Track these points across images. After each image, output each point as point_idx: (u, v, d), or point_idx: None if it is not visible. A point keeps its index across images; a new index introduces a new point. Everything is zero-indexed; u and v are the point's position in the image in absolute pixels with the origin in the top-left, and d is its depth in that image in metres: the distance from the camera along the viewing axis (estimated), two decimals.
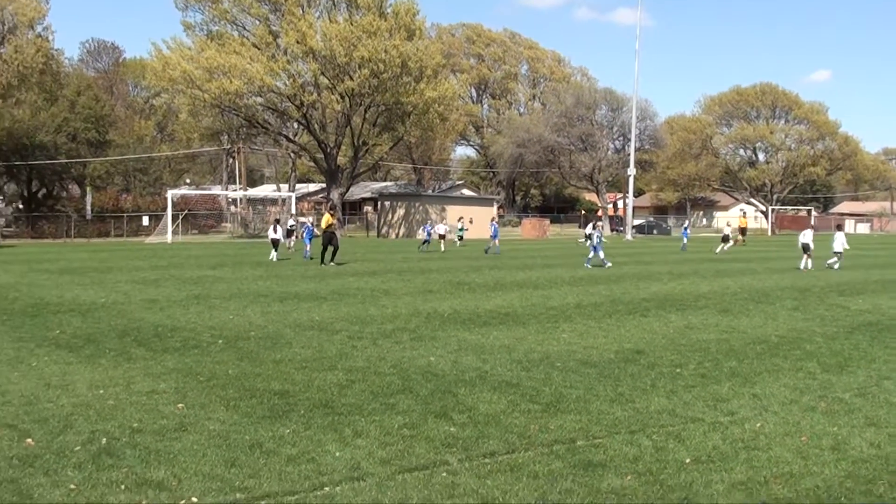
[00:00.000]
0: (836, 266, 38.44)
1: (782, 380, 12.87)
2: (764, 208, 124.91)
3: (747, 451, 9.11)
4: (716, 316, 20.61)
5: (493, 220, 57.25)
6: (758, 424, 10.18)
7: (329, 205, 47.61)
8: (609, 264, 38.35)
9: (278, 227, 42.44)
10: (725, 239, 55.64)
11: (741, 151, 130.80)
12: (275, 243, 41.64)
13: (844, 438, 9.66)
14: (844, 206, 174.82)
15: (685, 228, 65.92)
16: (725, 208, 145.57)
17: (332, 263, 36.34)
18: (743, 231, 69.58)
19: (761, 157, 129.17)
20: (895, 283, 31.63)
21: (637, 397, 11.49)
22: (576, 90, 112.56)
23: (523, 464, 8.48)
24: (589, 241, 44.34)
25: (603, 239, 43.15)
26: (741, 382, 12.61)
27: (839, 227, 41.18)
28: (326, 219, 38.31)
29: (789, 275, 34.82)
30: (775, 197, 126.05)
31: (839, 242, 38.70)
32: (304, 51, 70.91)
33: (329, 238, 37.15)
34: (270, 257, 40.66)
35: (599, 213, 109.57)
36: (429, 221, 58.25)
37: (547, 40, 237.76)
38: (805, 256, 39.11)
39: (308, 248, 43.67)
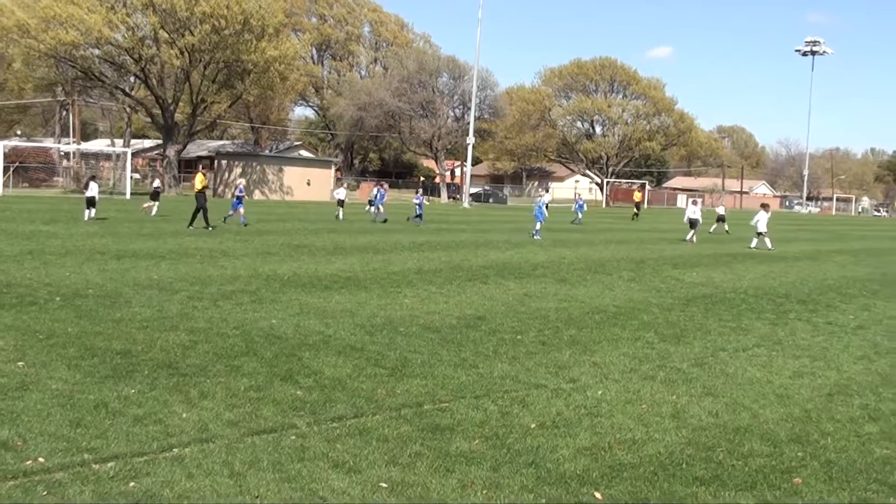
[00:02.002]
0: (768, 244, 38.63)
1: (621, 349, 13.22)
2: (599, 181, 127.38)
3: (590, 417, 9.34)
4: (554, 285, 20.97)
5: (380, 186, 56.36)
6: (599, 392, 10.43)
7: (203, 164, 45.71)
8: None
9: (93, 183, 38.91)
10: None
11: (579, 124, 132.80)
12: (90, 201, 38.09)
13: (683, 407, 9.99)
14: (677, 182, 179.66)
15: (579, 203, 61.92)
16: (561, 179, 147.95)
17: (203, 226, 34.25)
18: (637, 206, 70.68)
19: (598, 130, 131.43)
20: (727, 256, 32.72)
21: (480, 363, 11.63)
22: (418, 56, 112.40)
23: (372, 427, 8.51)
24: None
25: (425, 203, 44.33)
26: (581, 350, 12.89)
27: (764, 207, 41.99)
28: (200, 179, 36.80)
29: (624, 246, 35.68)
30: (610, 170, 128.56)
31: (762, 222, 39.21)
32: (145, 3, 69.03)
33: (202, 199, 35.47)
34: (85, 217, 36.96)
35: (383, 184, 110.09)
36: (418, 192, 55.31)
37: (391, 4, 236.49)
38: (692, 231, 41.58)
39: (241, 213, 41.49)
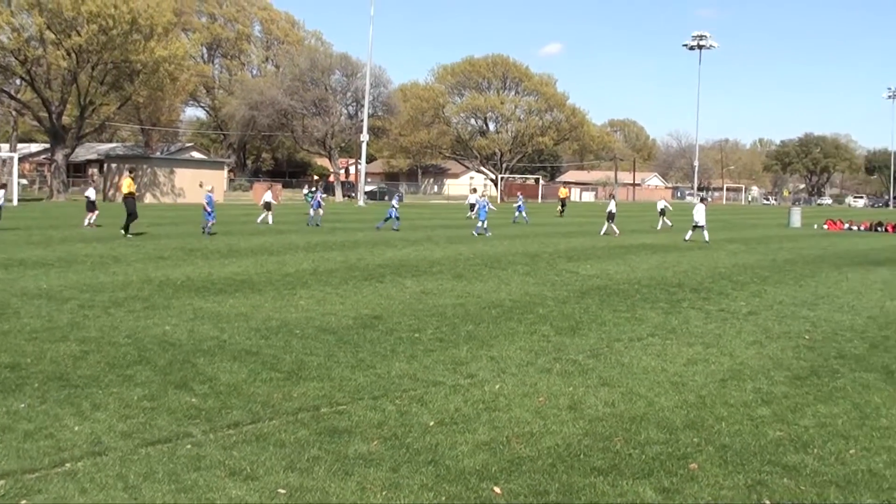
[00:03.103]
0: (705, 236, 39.03)
1: (518, 343, 13.29)
2: (494, 176, 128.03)
3: (488, 412, 9.36)
4: (451, 281, 21.02)
5: (314, 188, 55.29)
6: (497, 386, 10.47)
7: (129, 168, 44.06)
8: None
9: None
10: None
11: (472, 121, 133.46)
12: None
13: (580, 398, 10.07)
14: (570, 175, 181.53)
15: (520, 205, 57.51)
16: (456, 176, 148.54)
17: (128, 236, 32.78)
18: (563, 203, 70.74)
19: (492, 126, 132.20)
20: (621, 248, 33.14)
21: (378, 363, 11.59)
22: (310, 54, 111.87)
23: (269, 433, 8.42)
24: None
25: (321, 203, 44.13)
26: (479, 346, 12.94)
27: (702, 200, 42.41)
28: (128, 183, 35.45)
29: (520, 241, 35.91)
30: (504, 165, 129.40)
31: (700, 215, 39.50)
32: (30, 3, 67.51)
33: (133, 205, 34.29)
34: None
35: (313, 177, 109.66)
36: (396, 195, 53.36)
37: (281, 2, 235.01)
38: (608, 223, 42.78)
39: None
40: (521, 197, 58.91)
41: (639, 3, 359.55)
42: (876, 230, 57.89)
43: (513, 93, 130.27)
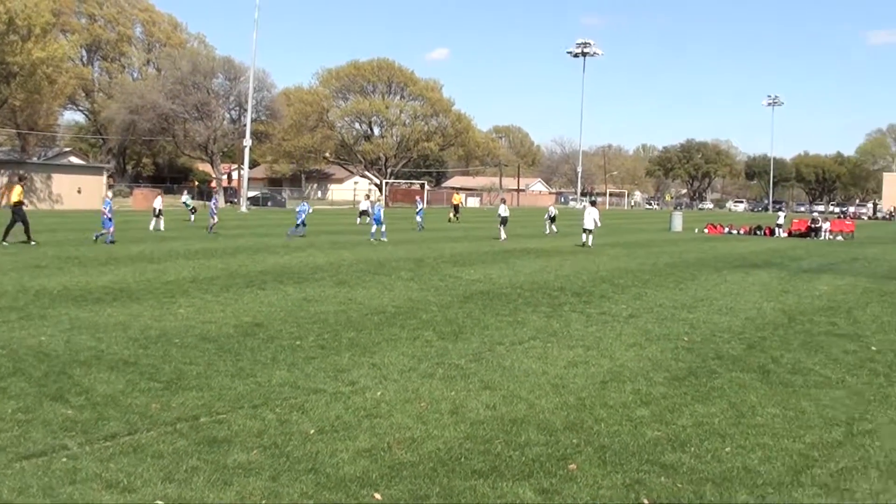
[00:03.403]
0: (589, 241, 39.41)
1: (400, 348, 13.29)
2: (378, 181, 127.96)
3: (370, 419, 9.34)
4: (333, 287, 20.93)
5: (215, 192, 54.01)
6: (378, 393, 10.44)
7: (19, 175, 42.41)
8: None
9: None
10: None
11: (357, 125, 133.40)
12: None
13: (462, 402, 10.11)
14: (456, 181, 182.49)
15: (420, 210, 56.92)
16: (341, 181, 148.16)
17: (32, 243, 32.24)
18: (456, 209, 70.47)
19: (377, 131, 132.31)
20: (505, 253, 33.37)
21: (258, 371, 11.48)
22: (192, 57, 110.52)
23: (147, 444, 8.27)
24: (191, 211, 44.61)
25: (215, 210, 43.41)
26: (361, 352, 12.90)
27: (592, 204, 42.76)
28: (18, 191, 34.12)
29: (404, 246, 35.93)
30: (389, 171, 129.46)
31: (590, 219, 39.75)
32: None
33: (22, 213, 33.08)
34: None
35: (213, 184, 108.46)
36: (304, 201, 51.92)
37: (164, 3, 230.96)
38: (501, 228, 43.31)
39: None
40: (420, 202, 58.78)
41: (526, 11, 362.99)
42: (755, 234, 59.34)
43: (398, 97, 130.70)
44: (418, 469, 7.76)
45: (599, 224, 40.25)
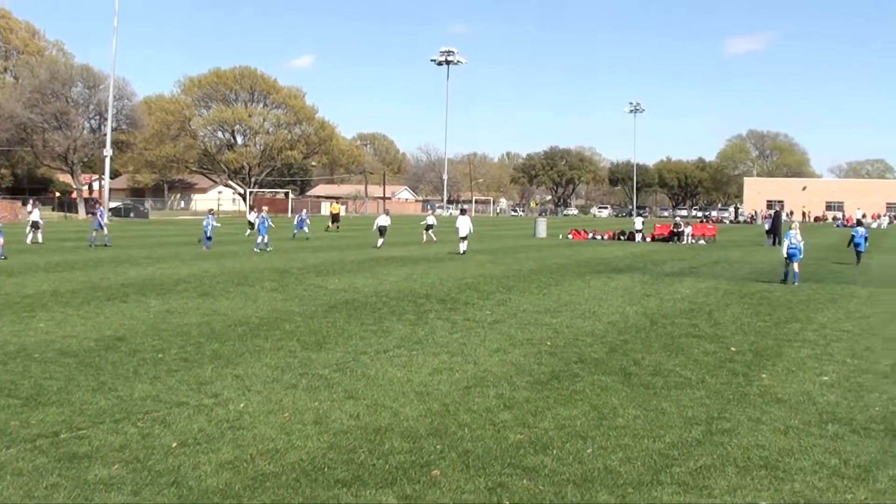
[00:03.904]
0: (463, 249, 39.32)
1: (264, 360, 13.22)
2: (242, 191, 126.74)
3: (233, 430, 9.28)
4: (196, 299, 20.68)
5: (98, 205, 52.38)
6: (242, 405, 10.38)
7: None
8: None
9: None
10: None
11: (220, 134, 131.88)
12: None
13: (326, 412, 10.11)
14: (321, 189, 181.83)
15: (302, 219, 55.98)
16: (204, 191, 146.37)
17: None
18: (335, 218, 69.50)
19: (240, 139, 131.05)
20: (370, 261, 33.34)
21: (120, 385, 11.30)
22: (51, 65, 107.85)
23: (6, 462, 8.10)
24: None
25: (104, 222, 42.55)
26: (224, 364, 12.80)
27: (463, 212, 42.76)
28: None
29: (268, 257, 35.62)
30: (253, 179, 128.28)
31: (465, 226, 39.72)
32: None
33: None
34: None
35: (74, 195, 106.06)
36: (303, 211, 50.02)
37: (21, 10, 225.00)
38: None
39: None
40: (304, 211, 58.15)
41: (391, 18, 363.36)
42: (618, 239, 60.28)
43: (261, 105, 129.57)
44: (281, 480, 7.76)
45: (472, 231, 40.49)
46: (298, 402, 10.59)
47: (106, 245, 41.28)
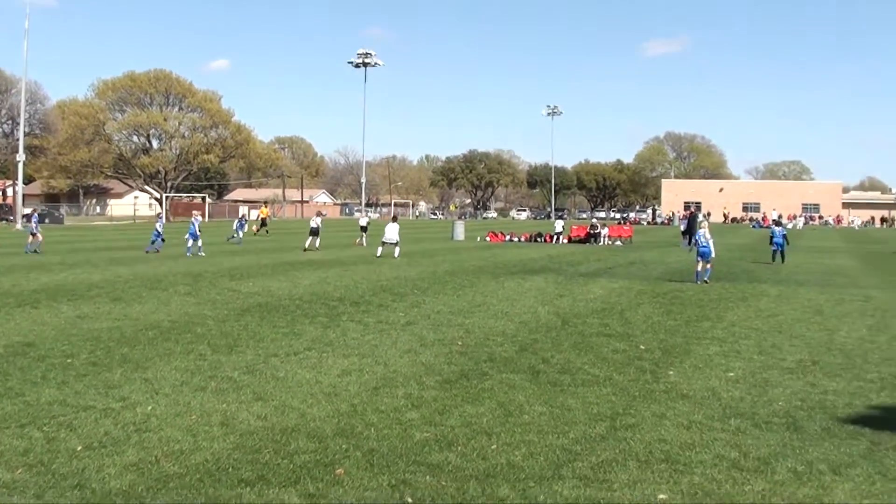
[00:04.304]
0: (395, 252, 39.32)
1: (174, 363, 13.20)
2: (158, 195, 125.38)
3: (139, 433, 9.29)
4: (108, 304, 20.52)
5: (34, 211, 51.30)
6: (149, 407, 10.38)
7: None
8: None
9: None
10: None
11: (135, 138, 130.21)
12: None
13: (233, 414, 10.16)
14: (238, 194, 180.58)
15: (241, 223, 55.70)
16: (120, 196, 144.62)
17: None
18: (264, 222, 68.81)
19: (155, 144, 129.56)
20: (285, 265, 33.23)
21: (27, 390, 11.22)
22: None
23: None
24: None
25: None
26: (133, 368, 12.76)
27: (395, 219, 42.86)
28: None
29: (182, 261, 35.38)
30: (170, 184, 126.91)
31: (392, 232, 39.78)
32: None
33: None
34: None
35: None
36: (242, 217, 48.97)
37: None
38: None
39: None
40: (244, 216, 57.77)
41: (307, 21, 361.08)
42: (535, 241, 60.65)
43: (177, 109, 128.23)
44: (185, 480, 7.81)
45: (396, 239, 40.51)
46: (206, 404, 10.62)
47: (37, 252, 40.51)
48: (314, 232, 44.25)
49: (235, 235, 52.70)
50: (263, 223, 68.84)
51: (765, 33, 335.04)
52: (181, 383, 11.79)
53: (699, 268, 28.01)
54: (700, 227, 29.12)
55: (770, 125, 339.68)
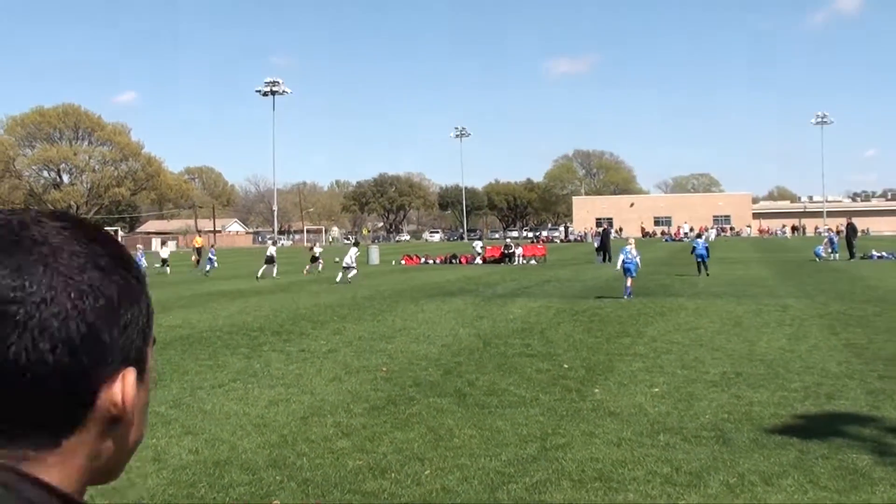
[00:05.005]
0: (348, 276, 39.79)
1: None
2: None
3: None
4: None
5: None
6: None
7: None
8: None
9: None
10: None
11: (45, 173, 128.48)
12: None
13: (164, 449, 10.01)
14: (150, 225, 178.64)
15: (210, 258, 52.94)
16: None
17: None
18: (199, 251, 67.67)
19: (66, 178, 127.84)
20: (202, 296, 32.86)
21: None
22: None
23: None
24: None
25: None
26: None
27: (356, 244, 42.81)
28: None
29: None
30: None
31: (350, 257, 40.03)
32: None
33: None
34: None
35: None
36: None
37: None
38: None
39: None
40: (213, 249, 56.97)
41: (211, 50, 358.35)
42: (451, 262, 60.85)
43: (86, 143, 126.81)
44: None
45: (353, 262, 40.46)
46: None
47: None
48: (269, 260, 44.00)
49: (209, 269, 50.84)
50: (199, 252, 68.13)
51: (668, 51, 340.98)
52: None
53: (629, 283, 28.30)
54: (627, 244, 29.50)
55: (676, 140, 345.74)
